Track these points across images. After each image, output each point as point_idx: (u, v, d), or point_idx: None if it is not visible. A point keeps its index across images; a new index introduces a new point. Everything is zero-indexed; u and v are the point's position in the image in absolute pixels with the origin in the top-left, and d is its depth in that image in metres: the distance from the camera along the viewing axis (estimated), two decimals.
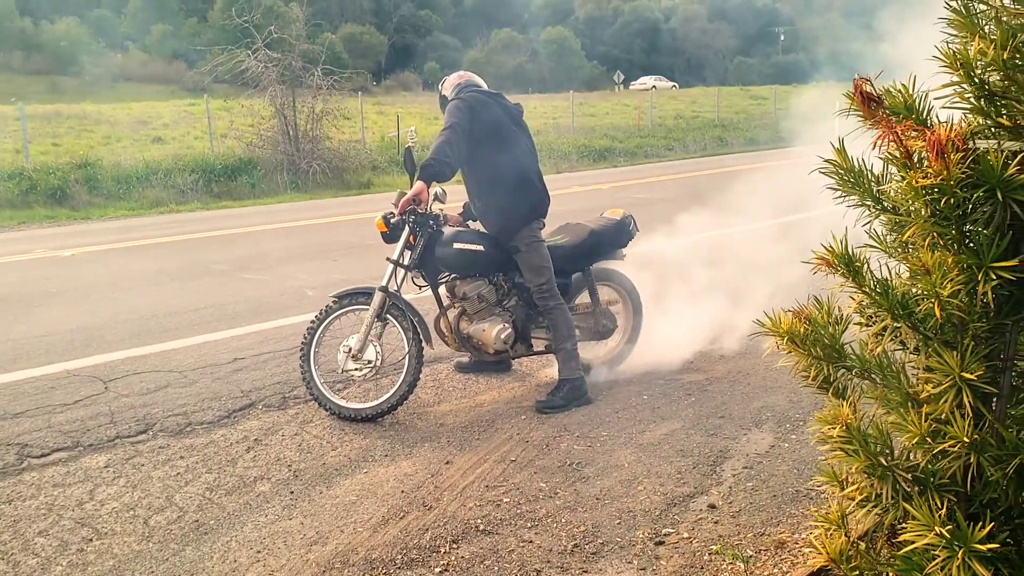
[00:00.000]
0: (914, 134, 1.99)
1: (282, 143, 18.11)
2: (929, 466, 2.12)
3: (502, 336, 4.93)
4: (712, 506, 3.62)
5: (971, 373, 1.98)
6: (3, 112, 23.80)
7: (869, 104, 2.01)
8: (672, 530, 3.43)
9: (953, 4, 2.08)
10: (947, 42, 2.10)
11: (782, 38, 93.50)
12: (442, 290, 5.05)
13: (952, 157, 1.87)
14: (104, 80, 54.15)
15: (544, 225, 4.97)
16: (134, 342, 6.22)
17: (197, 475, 4.08)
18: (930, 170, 1.90)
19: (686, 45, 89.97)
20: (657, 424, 4.54)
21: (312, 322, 4.85)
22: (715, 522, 3.49)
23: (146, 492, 3.90)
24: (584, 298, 5.35)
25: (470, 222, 5.23)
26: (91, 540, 3.48)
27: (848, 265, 2.15)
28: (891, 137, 1.99)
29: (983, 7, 2.07)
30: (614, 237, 5.27)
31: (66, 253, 10.38)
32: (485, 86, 5.03)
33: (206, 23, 63.48)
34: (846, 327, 2.39)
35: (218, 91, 25.24)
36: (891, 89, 2.07)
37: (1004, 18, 1.98)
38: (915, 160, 1.99)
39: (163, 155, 18.72)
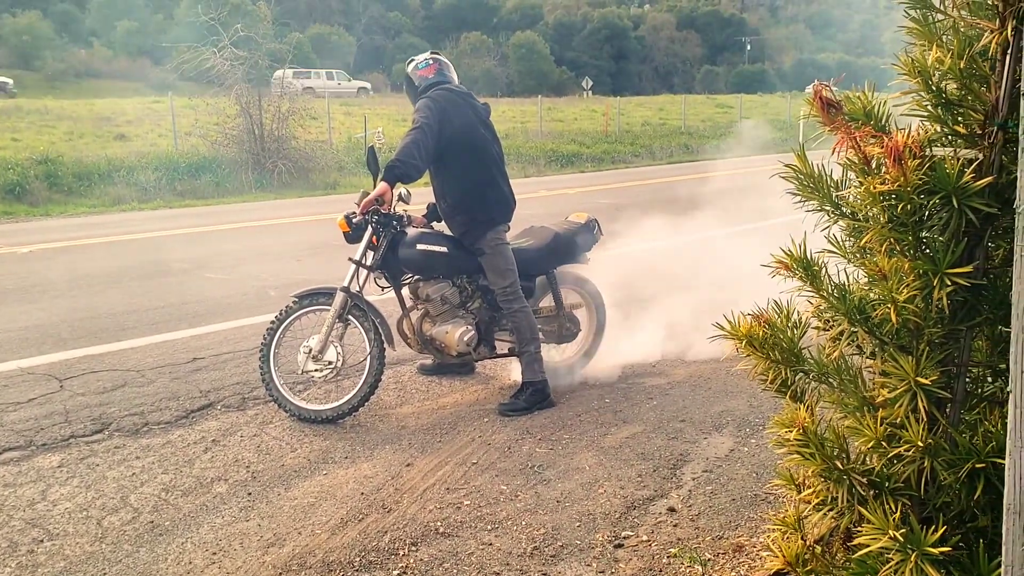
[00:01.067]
0: (872, 140, 2.01)
1: (247, 142, 17.93)
2: (884, 470, 2.14)
3: (465, 338, 4.90)
4: (672, 509, 3.63)
5: (926, 378, 2.01)
6: None
7: (828, 110, 2.02)
8: (631, 533, 3.44)
9: (912, 13, 2.11)
10: (905, 50, 2.13)
11: (748, 48, 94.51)
12: (405, 291, 5.02)
13: (909, 163, 1.89)
14: (67, 75, 53.40)
15: (509, 228, 4.96)
16: (91, 340, 6.11)
17: (153, 475, 4.01)
18: (888, 176, 1.93)
19: (654, 53, 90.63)
20: (619, 427, 4.55)
21: (272, 322, 4.80)
22: (674, 525, 3.50)
23: (100, 492, 3.83)
24: (548, 301, 5.35)
25: (434, 223, 5.20)
26: (42, 541, 3.41)
27: (806, 269, 2.17)
28: (850, 143, 2.01)
29: (941, 17, 2.10)
30: (579, 241, 5.27)
31: (23, 250, 10.19)
32: (456, 78, 4.98)
33: (172, 20, 62.81)
34: (804, 331, 2.41)
35: (183, 89, 24.95)
36: (850, 95, 2.09)
37: (961, 28, 2.01)
38: (873, 166, 2.01)
39: (126, 152, 18.45)
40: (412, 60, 5.03)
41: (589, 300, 5.50)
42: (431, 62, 4.97)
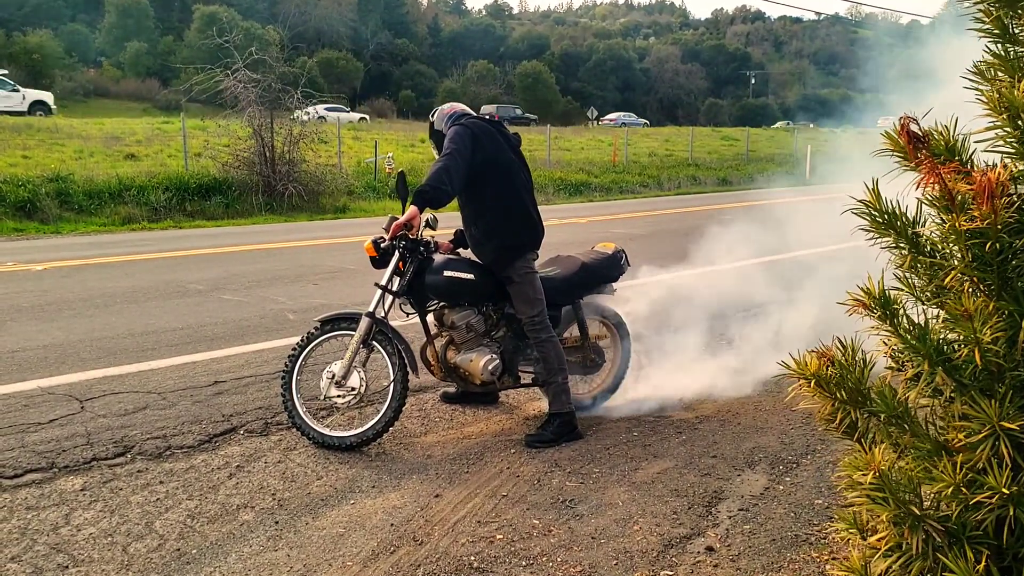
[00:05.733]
0: (957, 177, 1.96)
1: (258, 164, 17.95)
2: (961, 517, 2.07)
3: (489, 367, 4.84)
4: (710, 548, 3.55)
5: (1010, 422, 1.94)
6: None
7: (915, 145, 1.98)
8: (671, 572, 3.35)
9: (993, 48, 2.07)
10: (979, 86, 2.09)
11: (752, 81, 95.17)
12: (430, 318, 4.96)
13: (1000, 201, 1.84)
14: (76, 94, 53.69)
15: (538, 256, 4.92)
16: (111, 361, 6.05)
17: (178, 501, 3.94)
18: (976, 213, 1.88)
19: (659, 84, 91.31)
20: (649, 462, 4.47)
21: (294, 348, 4.74)
22: (714, 565, 3.42)
23: (125, 518, 3.75)
24: (573, 331, 5.29)
25: (461, 250, 5.16)
26: (67, 567, 3.33)
27: (884, 307, 2.11)
28: (935, 179, 1.96)
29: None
30: (605, 271, 5.22)
31: (37, 267, 10.14)
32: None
33: (182, 42, 63.27)
34: (871, 370, 2.35)
35: (192, 110, 25.06)
36: (933, 131, 2.05)
37: None
38: (957, 203, 1.96)
39: (136, 172, 18.47)
40: (436, 110, 5.07)
41: (615, 331, 5.44)
42: (453, 105, 5.03)
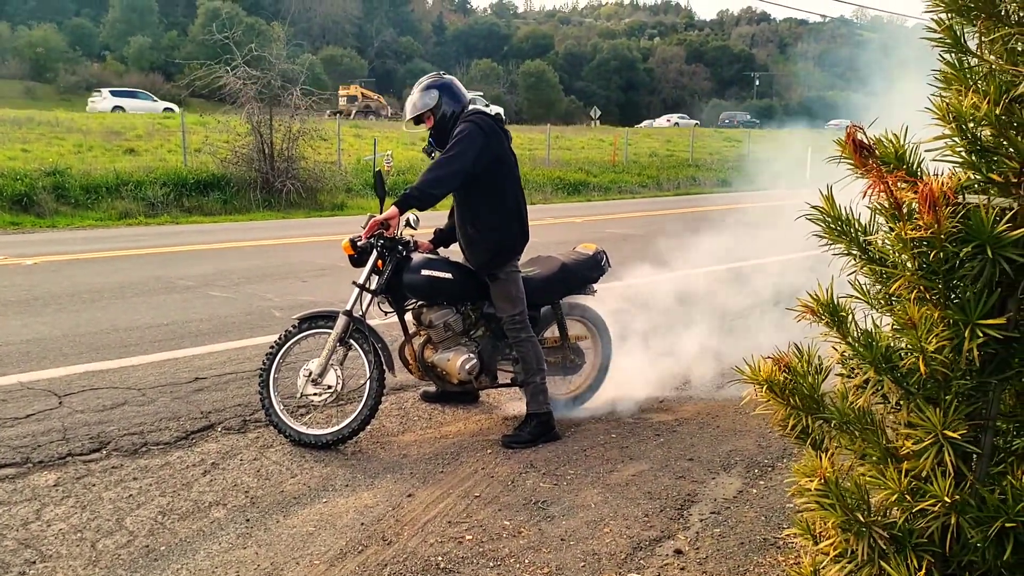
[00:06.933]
0: (904, 185, 1.96)
1: (257, 161, 17.95)
2: (907, 524, 2.07)
3: (466, 367, 4.83)
4: (678, 551, 3.55)
5: (954, 431, 1.94)
6: None
7: (861, 153, 1.97)
8: (638, 575, 3.35)
9: (947, 57, 2.06)
10: (939, 95, 2.08)
11: (756, 83, 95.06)
12: (408, 317, 4.95)
13: (943, 211, 1.84)
14: (79, 88, 53.76)
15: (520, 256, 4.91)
16: (92, 356, 6.05)
17: (150, 498, 3.94)
18: (920, 222, 1.87)
19: (663, 85, 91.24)
20: (625, 464, 4.47)
21: (272, 346, 4.74)
22: (681, 568, 3.42)
23: (96, 514, 3.76)
24: (553, 332, 5.28)
25: (440, 249, 5.15)
26: (34, 563, 3.33)
27: (833, 314, 2.11)
28: (882, 187, 1.96)
29: (975, 61, 2.06)
30: (586, 272, 5.21)
31: (28, 262, 10.15)
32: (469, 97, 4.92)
33: (186, 37, 63.36)
34: (825, 377, 2.35)
35: (194, 105, 25.11)
36: (883, 139, 2.05)
37: (998, 74, 1.96)
38: (904, 212, 1.96)
39: (135, 167, 18.48)
40: (444, 80, 4.80)
41: (595, 332, 5.44)
42: (446, 79, 4.80)
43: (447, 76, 4.85)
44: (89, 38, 65.96)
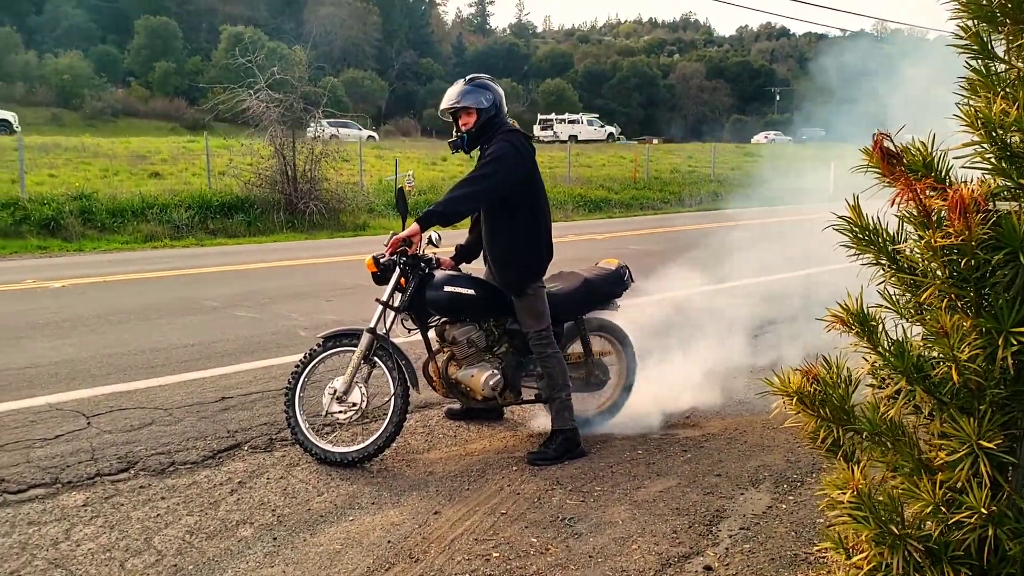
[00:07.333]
0: (933, 193, 1.94)
1: (280, 183, 18.09)
2: (942, 537, 2.04)
3: (490, 383, 4.82)
4: (708, 568, 3.51)
5: (988, 441, 1.91)
6: (2, 142, 23.80)
7: (889, 161, 1.96)
8: None
9: (974, 63, 2.05)
10: (967, 102, 2.06)
11: (778, 98, 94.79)
12: (432, 334, 4.95)
13: (973, 218, 1.82)
14: (105, 114, 54.49)
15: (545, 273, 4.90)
16: (120, 377, 6.10)
17: (178, 517, 3.95)
18: (951, 230, 1.85)
19: (683, 101, 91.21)
20: (652, 480, 4.44)
21: (297, 365, 4.75)
22: None
23: (124, 533, 3.77)
24: (576, 348, 5.26)
25: (463, 265, 5.16)
26: None
27: (863, 324, 2.09)
28: (910, 195, 1.94)
29: (1003, 67, 2.04)
30: (609, 287, 5.19)
31: (56, 284, 10.27)
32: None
33: (209, 61, 64.14)
34: (855, 388, 2.32)
35: (218, 129, 25.34)
36: (910, 146, 2.03)
37: None
38: (933, 219, 1.94)
39: (160, 190, 18.67)
40: (485, 84, 4.76)
41: (619, 347, 5.41)
42: (488, 83, 4.77)
43: (500, 93, 4.78)
44: (114, 64, 66.91)
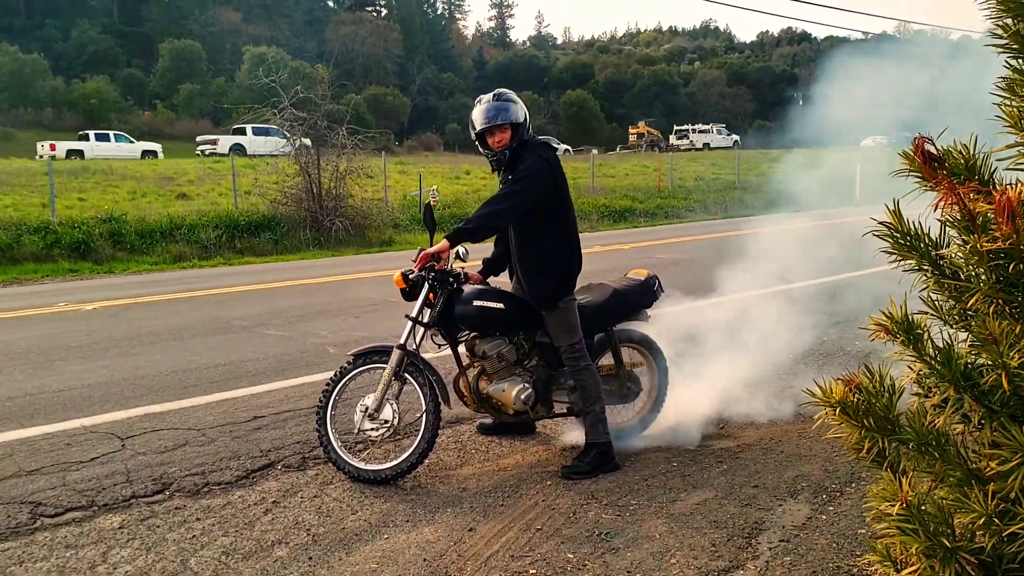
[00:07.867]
0: (977, 196, 1.90)
1: (306, 200, 18.22)
2: (996, 549, 1.98)
3: (522, 397, 4.79)
4: None
5: None
6: (31, 167, 24.16)
7: (931, 164, 1.91)
8: None
9: (1014, 63, 2.00)
10: (1008, 102, 2.02)
11: (800, 103, 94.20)
12: (462, 349, 4.93)
13: (1022, 221, 1.77)
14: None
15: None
16: (153, 398, 6.13)
17: (213, 538, 3.95)
18: (997, 234, 1.81)
19: (705, 109, 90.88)
20: (688, 493, 4.38)
21: (328, 383, 4.75)
22: None
23: (160, 555, 3.77)
24: (607, 360, 5.21)
25: (491, 279, 5.14)
26: None
27: (908, 332, 2.04)
28: (953, 199, 1.90)
29: None
30: (638, 298, 5.15)
31: (88, 307, 10.37)
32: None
33: (233, 82, 64.82)
34: (899, 397, 2.27)
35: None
36: (951, 149, 1.99)
37: None
38: (979, 223, 1.90)
39: (187, 211, 18.88)
40: (511, 100, 4.73)
41: (650, 358, 5.36)
42: (524, 112, 4.74)
43: (524, 112, 4.75)
44: (140, 88, 67.88)
